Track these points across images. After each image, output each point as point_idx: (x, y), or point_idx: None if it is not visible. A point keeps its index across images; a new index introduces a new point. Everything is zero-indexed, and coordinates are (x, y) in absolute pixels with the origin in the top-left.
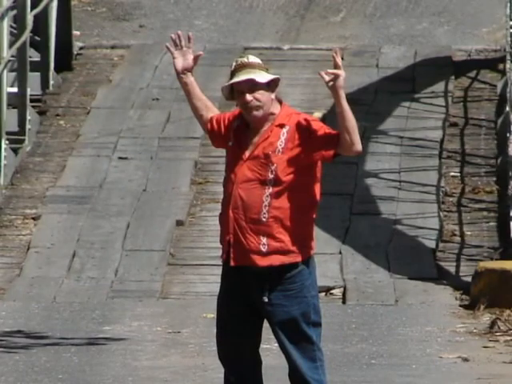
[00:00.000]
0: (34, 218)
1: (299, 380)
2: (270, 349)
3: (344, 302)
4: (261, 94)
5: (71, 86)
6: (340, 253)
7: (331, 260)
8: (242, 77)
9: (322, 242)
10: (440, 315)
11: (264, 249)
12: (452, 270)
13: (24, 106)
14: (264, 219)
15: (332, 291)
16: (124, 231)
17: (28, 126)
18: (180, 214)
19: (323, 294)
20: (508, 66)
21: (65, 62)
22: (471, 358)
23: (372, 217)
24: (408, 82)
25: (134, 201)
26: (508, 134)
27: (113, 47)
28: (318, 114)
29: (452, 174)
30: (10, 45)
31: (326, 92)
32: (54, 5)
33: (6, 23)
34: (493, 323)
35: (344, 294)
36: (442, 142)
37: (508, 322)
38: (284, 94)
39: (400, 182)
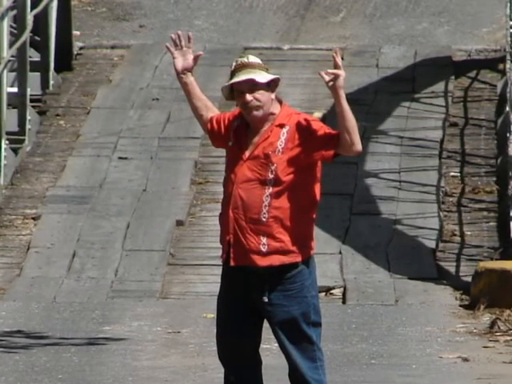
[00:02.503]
0: (34, 218)
1: (299, 380)
2: (270, 349)
3: (344, 302)
4: (261, 94)
5: (71, 86)
6: (340, 253)
7: (331, 260)
8: (242, 77)
9: (322, 242)
10: (440, 315)
11: (264, 249)
12: (452, 270)
13: (24, 106)
14: (264, 219)
15: (332, 291)
16: (124, 231)
17: (28, 126)
18: (180, 214)
19: (323, 294)
20: (508, 65)
21: (65, 61)
22: (471, 358)
23: (372, 217)
24: (408, 82)
25: (134, 201)
26: (508, 134)
27: (113, 47)
28: (318, 114)
29: (452, 174)
30: (10, 45)
31: (326, 92)
32: (54, 5)
33: (5, 23)
34: (493, 323)
35: (344, 293)
36: (442, 142)
37: (508, 321)
38: (284, 94)
39: (400, 182)
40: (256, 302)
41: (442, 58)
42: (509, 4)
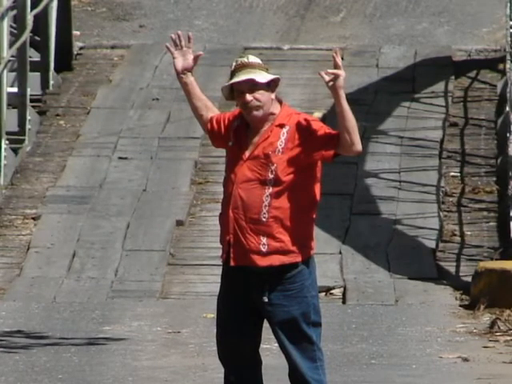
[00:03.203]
0: (34, 218)
1: (299, 380)
2: (270, 349)
3: (344, 302)
4: (261, 94)
5: (71, 86)
6: (340, 253)
7: (331, 260)
8: (242, 77)
9: (322, 242)
10: (440, 315)
11: (264, 249)
12: (452, 270)
13: (24, 106)
14: (264, 219)
15: (332, 291)
16: (124, 231)
17: (28, 126)
18: (180, 214)
19: (323, 294)
20: (508, 65)
21: (65, 61)
22: (471, 358)
23: (372, 217)
24: (408, 82)
25: (134, 201)
26: (508, 134)
27: (113, 47)
28: (318, 114)
29: (452, 173)
30: (10, 45)
31: (326, 92)
32: (54, 5)
33: (5, 23)
34: (493, 323)
35: (344, 293)
36: (442, 142)
37: (508, 321)
38: (284, 94)
39: (400, 182)
40: (256, 302)
41: (442, 58)
42: (509, 4)
